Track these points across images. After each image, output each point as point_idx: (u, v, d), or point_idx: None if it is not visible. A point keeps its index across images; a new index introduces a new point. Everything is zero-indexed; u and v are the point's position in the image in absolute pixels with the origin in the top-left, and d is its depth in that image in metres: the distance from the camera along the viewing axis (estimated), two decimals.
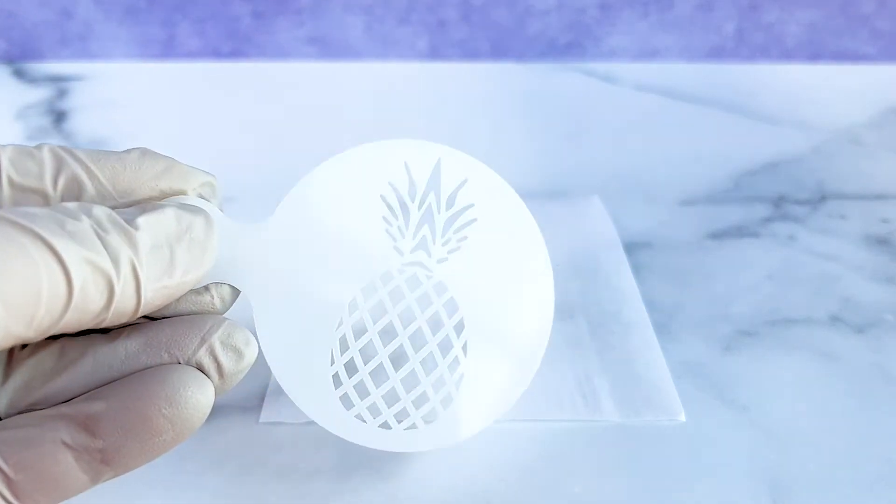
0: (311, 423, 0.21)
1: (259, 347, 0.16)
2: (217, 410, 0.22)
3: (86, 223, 0.14)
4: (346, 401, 0.18)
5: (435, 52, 0.49)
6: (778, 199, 0.34)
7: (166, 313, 0.16)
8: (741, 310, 0.27)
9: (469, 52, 0.49)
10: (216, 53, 0.50)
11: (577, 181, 0.35)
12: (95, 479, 0.15)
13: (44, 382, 0.15)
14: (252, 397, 0.23)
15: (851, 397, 0.23)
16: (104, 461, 0.14)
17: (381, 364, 0.19)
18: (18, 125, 0.41)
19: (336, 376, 0.18)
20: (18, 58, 0.49)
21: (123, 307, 0.14)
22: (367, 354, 0.18)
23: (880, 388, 0.23)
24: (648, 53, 0.50)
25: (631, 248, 0.30)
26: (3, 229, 0.12)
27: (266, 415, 0.22)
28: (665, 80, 0.47)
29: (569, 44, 0.49)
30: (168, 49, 0.50)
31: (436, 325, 0.19)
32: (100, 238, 0.14)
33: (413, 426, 0.18)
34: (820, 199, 0.34)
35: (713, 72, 0.49)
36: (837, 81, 0.48)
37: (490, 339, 0.19)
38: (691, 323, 0.26)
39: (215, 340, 0.16)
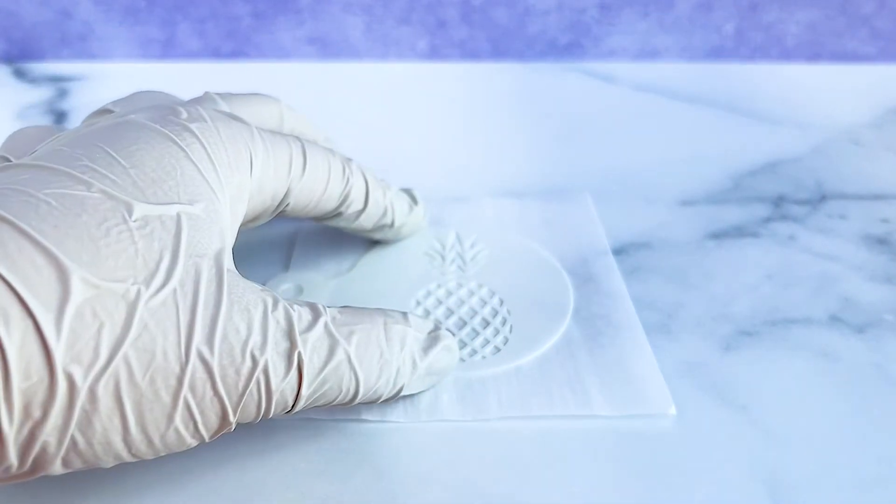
0: (308, 420, 0.22)
1: None
2: None
3: None
4: None
5: (435, 53, 0.49)
6: (777, 199, 0.34)
7: None
8: (741, 310, 0.27)
9: (469, 53, 0.49)
10: (216, 54, 0.50)
11: (577, 181, 0.35)
12: None
13: None
14: None
15: (851, 397, 0.23)
16: None
17: (447, 328, 0.25)
18: (19, 125, 0.41)
19: None
20: (18, 58, 0.49)
21: None
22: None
23: (880, 388, 0.23)
24: (648, 53, 0.50)
25: (630, 248, 0.30)
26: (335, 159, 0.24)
27: None
28: (665, 80, 0.47)
29: (569, 44, 0.49)
30: (168, 49, 0.50)
31: (481, 304, 0.27)
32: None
33: (483, 357, 0.24)
34: (820, 199, 0.34)
35: (713, 72, 0.49)
36: (837, 82, 0.48)
37: (526, 306, 0.26)
38: (691, 323, 0.26)
39: None
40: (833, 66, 0.51)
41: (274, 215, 0.23)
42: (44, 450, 0.15)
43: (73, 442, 0.15)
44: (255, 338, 0.17)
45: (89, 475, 0.20)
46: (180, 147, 0.19)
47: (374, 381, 0.20)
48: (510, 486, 0.20)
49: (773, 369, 0.24)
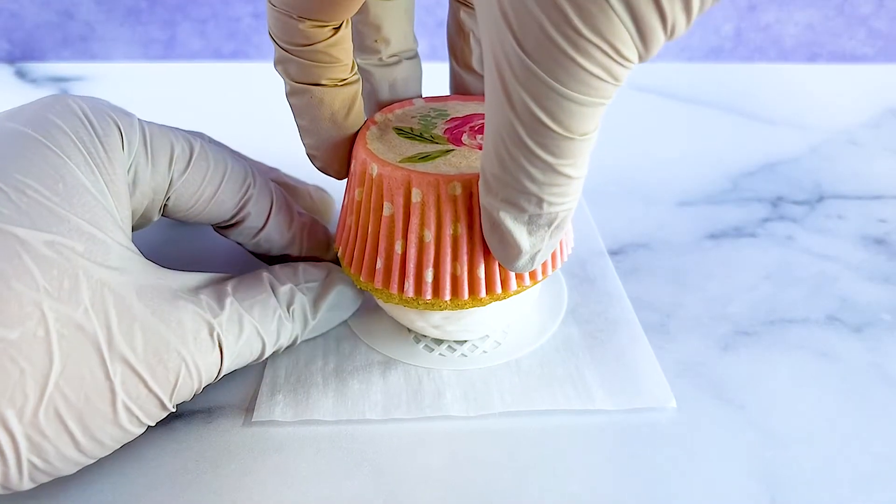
0: (308, 421, 0.22)
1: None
2: (218, 411, 0.22)
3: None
4: (427, 350, 0.25)
5: (434, 54, 0.49)
6: (776, 199, 0.34)
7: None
8: (739, 310, 0.27)
9: None
10: (217, 54, 0.50)
11: None
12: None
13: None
14: (253, 398, 0.23)
15: (848, 396, 0.23)
16: None
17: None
18: None
19: (415, 337, 0.25)
20: (20, 58, 0.50)
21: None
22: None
23: (877, 387, 0.24)
24: None
25: (629, 248, 0.31)
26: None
27: (259, 413, 0.22)
28: (663, 80, 0.47)
29: None
30: (169, 50, 0.50)
31: None
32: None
33: (485, 352, 0.24)
34: (817, 199, 0.35)
35: (711, 72, 0.49)
36: (835, 82, 0.48)
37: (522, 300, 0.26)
38: (689, 323, 0.26)
39: None
40: (831, 66, 0.51)
41: (160, 212, 0.22)
42: (6, 477, 0.16)
43: (32, 465, 0.17)
44: (175, 332, 0.19)
45: (91, 477, 0.20)
46: (58, 154, 0.18)
47: (275, 340, 0.22)
48: (510, 486, 0.20)
49: (770, 369, 0.24)
